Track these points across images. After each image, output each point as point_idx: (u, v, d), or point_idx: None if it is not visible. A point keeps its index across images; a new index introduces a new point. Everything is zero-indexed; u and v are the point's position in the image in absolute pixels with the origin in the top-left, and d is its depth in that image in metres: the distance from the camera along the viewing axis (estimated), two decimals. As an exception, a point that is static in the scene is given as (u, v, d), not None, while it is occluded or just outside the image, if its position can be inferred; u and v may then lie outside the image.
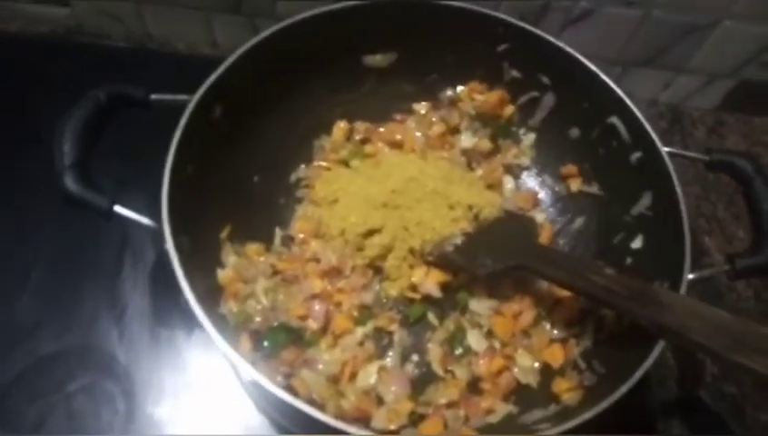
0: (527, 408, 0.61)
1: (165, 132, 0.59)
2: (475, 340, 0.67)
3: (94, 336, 0.69)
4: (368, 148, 0.79)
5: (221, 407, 0.67)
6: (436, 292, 0.69)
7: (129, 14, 0.91)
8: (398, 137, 0.79)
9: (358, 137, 0.80)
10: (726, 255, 0.62)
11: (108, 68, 0.87)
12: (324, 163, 0.78)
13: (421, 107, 0.81)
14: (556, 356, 0.65)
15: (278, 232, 0.72)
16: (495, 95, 0.78)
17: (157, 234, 0.54)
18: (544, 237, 0.76)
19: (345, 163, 0.78)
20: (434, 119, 0.80)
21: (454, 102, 0.80)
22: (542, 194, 0.80)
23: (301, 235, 0.71)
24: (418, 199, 0.70)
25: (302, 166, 0.77)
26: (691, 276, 0.58)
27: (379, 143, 0.79)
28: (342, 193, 0.72)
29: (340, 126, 0.79)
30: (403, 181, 0.71)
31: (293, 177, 0.77)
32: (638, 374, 0.52)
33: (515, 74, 0.77)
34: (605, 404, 0.50)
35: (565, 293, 0.69)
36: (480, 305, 0.69)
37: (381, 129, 0.80)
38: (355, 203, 0.70)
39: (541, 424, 0.56)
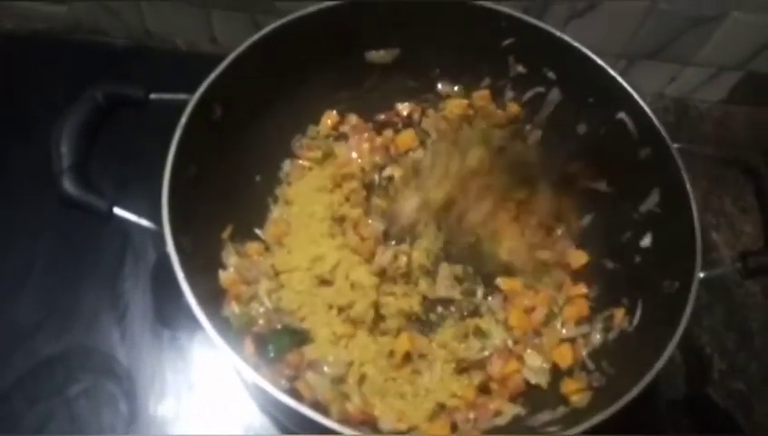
0: (535, 410, 0.60)
1: (165, 132, 0.57)
2: (495, 334, 0.66)
3: (95, 338, 0.69)
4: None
5: (224, 408, 0.66)
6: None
7: (127, 11, 0.90)
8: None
9: (346, 129, 0.77)
10: (738, 253, 0.61)
11: (106, 66, 0.86)
12: (304, 162, 0.75)
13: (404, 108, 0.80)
14: (565, 356, 0.64)
15: (279, 232, 0.71)
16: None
17: (158, 235, 0.53)
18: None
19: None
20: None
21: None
22: (549, 192, 0.79)
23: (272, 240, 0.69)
24: None
25: (287, 161, 0.75)
26: (702, 275, 0.57)
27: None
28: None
29: (331, 115, 0.77)
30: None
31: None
32: (648, 377, 0.51)
33: (520, 69, 0.75)
34: (613, 409, 0.49)
35: (577, 292, 0.68)
36: (494, 301, 0.69)
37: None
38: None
39: (549, 427, 0.55)
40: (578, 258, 0.72)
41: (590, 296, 0.69)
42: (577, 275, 0.71)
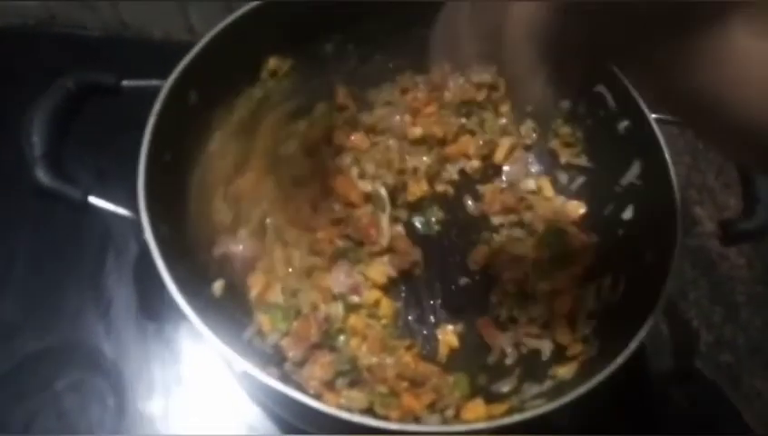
0: (525, 384, 0.60)
1: (141, 119, 0.56)
2: None
3: (80, 332, 0.68)
4: None
5: (213, 399, 0.66)
6: None
7: (102, 2, 0.89)
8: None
9: None
10: (718, 221, 0.61)
11: (81, 58, 0.84)
12: None
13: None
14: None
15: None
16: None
17: (138, 227, 0.52)
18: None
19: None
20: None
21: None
22: (531, 168, 0.78)
23: None
24: None
25: None
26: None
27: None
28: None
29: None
30: None
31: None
32: (632, 345, 0.51)
33: (496, 46, 0.75)
34: (598, 379, 0.49)
35: None
36: None
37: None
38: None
39: (536, 400, 0.55)
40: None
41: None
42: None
